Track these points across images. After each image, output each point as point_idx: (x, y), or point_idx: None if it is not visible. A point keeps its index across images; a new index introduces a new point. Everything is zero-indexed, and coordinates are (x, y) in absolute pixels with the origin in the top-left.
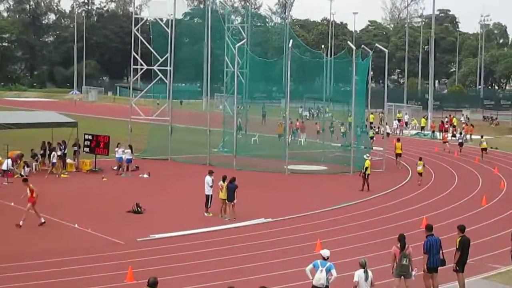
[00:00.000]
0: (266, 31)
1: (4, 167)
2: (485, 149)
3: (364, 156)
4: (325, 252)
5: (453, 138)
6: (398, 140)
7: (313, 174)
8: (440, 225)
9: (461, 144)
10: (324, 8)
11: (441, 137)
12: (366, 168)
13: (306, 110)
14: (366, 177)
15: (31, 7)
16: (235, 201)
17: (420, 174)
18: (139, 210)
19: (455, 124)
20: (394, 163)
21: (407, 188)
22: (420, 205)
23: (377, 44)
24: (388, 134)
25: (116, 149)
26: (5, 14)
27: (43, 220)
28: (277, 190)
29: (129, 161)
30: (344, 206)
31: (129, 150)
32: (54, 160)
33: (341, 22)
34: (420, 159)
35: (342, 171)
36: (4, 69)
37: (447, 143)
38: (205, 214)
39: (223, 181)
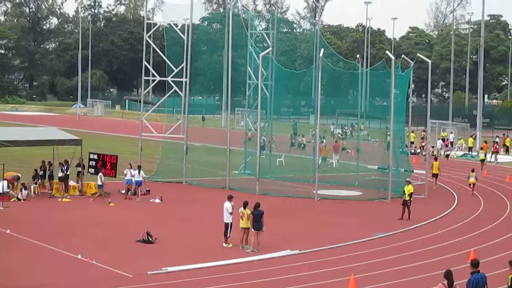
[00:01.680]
0: (293, 38)
1: None
2: None
3: (407, 180)
4: None
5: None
6: (436, 159)
7: (346, 200)
8: (489, 259)
9: None
10: (360, 13)
11: (492, 159)
12: (409, 194)
13: (338, 127)
14: (408, 204)
15: (31, 10)
16: (263, 229)
17: (473, 185)
18: (150, 239)
19: (507, 144)
20: (437, 188)
21: (452, 216)
22: (467, 237)
23: (419, 54)
24: (436, 158)
25: (126, 170)
26: (2, 18)
27: None
28: (305, 218)
29: (139, 183)
30: (381, 237)
31: (138, 171)
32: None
33: (379, 29)
34: (473, 170)
35: (379, 197)
36: (0, 79)
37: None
38: (224, 244)
39: (244, 208)
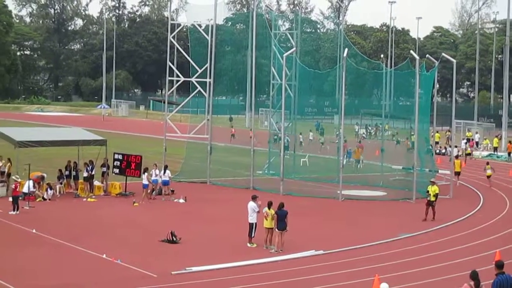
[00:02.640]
0: (317, 38)
1: (25, 189)
2: None
3: (432, 180)
4: (384, 286)
5: None
6: (457, 157)
7: (370, 200)
8: None
9: None
10: (384, 12)
11: None
12: (435, 195)
13: (363, 128)
14: (433, 204)
15: (56, 11)
16: (287, 229)
17: (489, 177)
18: (174, 239)
19: None
20: (462, 188)
21: (477, 217)
22: (492, 238)
23: (443, 53)
24: (457, 156)
25: (151, 170)
26: (27, 20)
27: None
28: (329, 218)
29: (166, 183)
30: (405, 237)
31: (164, 171)
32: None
33: (403, 28)
34: (488, 163)
35: (404, 197)
36: (26, 80)
37: None
38: (248, 244)
39: (269, 208)
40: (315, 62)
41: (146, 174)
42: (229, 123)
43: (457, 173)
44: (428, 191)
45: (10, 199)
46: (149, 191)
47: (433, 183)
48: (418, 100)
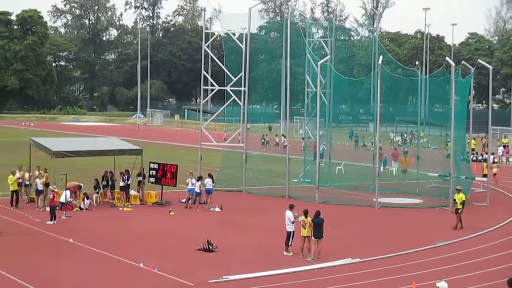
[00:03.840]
0: (351, 46)
1: (62, 199)
2: None
3: (458, 188)
4: (443, 285)
5: None
6: (485, 160)
7: (406, 208)
8: None
9: None
10: (418, 19)
11: None
12: (461, 203)
13: (398, 135)
14: (459, 212)
15: (90, 22)
16: (323, 238)
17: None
18: (211, 248)
19: None
20: (499, 195)
21: None
22: None
23: (479, 60)
24: (494, 162)
25: (187, 179)
26: (62, 31)
27: None
28: (365, 226)
29: (209, 191)
30: (442, 245)
31: (210, 180)
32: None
33: (438, 35)
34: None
35: (440, 205)
36: (62, 90)
37: None
38: (285, 253)
39: (305, 216)
40: (350, 70)
41: (199, 182)
42: (268, 132)
43: (485, 176)
44: (455, 199)
45: (48, 209)
46: (183, 200)
47: (459, 191)
48: (454, 107)
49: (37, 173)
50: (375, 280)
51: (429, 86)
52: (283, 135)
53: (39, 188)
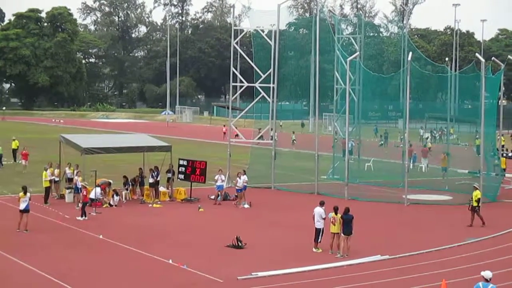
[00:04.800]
0: (380, 42)
1: (92, 195)
2: None
3: (474, 185)
4: (487, 274)
5: None
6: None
7: (436, 205)
8: None
9: None
10: (448, 15)
11: None
12: (477, 200)
13: (427, 132)
14: (477, 210)
15: (120, 19)
16: (352, 234)
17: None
18: (240, 244)
19: None
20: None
21: None
22: None
23: (509, 56)
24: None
25: (216, 176)
26: (92, 28)
27: None
28: (394, 223)
29: (241, 188)
30: (472, 242)
31: (245, 177)
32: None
33: (467, 31)
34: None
35: (470, 202)
36: (91, 87)
37: None
38: (314, 249)
39: (335, 213)
40: (379, 66)
41: (244, 177)
42: (301, 129)
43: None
44: (472, 197)
45: (81, 204)
46: (212, 196)
47: (475, 188)
48: (483, 103)
49: (67, 170)
50: (404, 277)
51: (459, 82)
52: (293, 131)
53: (79, 186)
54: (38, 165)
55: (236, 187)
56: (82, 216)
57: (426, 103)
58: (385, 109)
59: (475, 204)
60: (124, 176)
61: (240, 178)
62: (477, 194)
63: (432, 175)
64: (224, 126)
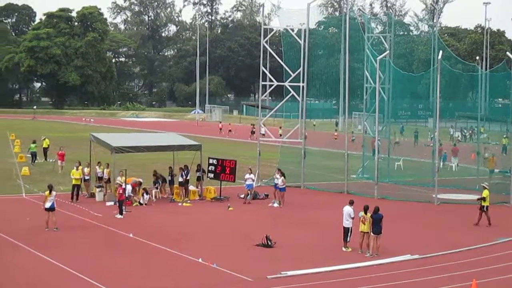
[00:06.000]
0: (410, 41)
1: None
2: None
3: (483, 185)
4: None
5: None
6: None
7: (466, 204)
8: None
9: None
10: (478, 13)
11: None
12: (484, 199)
13: (458, 131)
14: (485, 209)
15: (150, 18)
16: (382, 233)
17: None
18: (269, 243)
19: None
20: None
21: None
22: None
23: None
24: None
25: (246, 175)
26: (122, 27)
27: None
28: (425, 222)
29: (283, 190)
30: (502, 242)
31: (282, 177)
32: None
33: (498, 30)
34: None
35: (501, 201)
36: (121, 86)
37: None
38: (344, 249)
39: (365, 212)
40: (409, 65)
41: (282, 178)
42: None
43: None
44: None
45: (110, 203)
46: (242, 195)
47: (484, 188)
48: None
49: (97, 168)
50: (434, 276)
51: (489, 81)
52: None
53: (122, 185)
54: (69, 163)
55: (278, 186)
56: (121, 214)
57: (456, 102)
58: (415, 108)
59: (483, 203)
60: (154, 172)
61: (279, 177)
62: (486, 193)
63: (462, 174)
64: (220, 123)
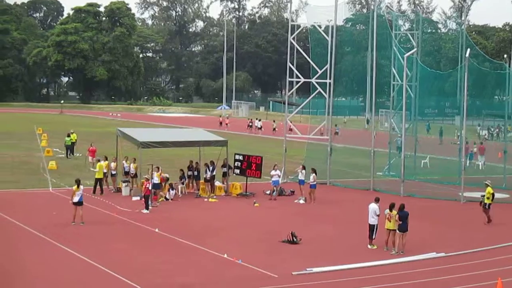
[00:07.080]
0: (438, 39)
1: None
2: None
3: (486, 182)
4: None
5: None
6: None
7: (493, 202)
8: None
9: None
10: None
11: None
12: (488, 197)
13: (484, 129)
14: (487, 207)
15: (177, 14)
16: (407, 231)
17: None
18: (295, 240)
19: None
20: None
21: None
22: None
23: None
24: None
25: (272, 171)
26: (149, 22)
27: None
28: (451, 220)
29: (313, 186)
30: None
31: (314, 174)
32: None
33: None
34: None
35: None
36: (148, 81)
37: None
38: (369, 246)
39: (391, 210)
40: (436, 63)
41: (314, 175)
42: (366, 125)
43: None
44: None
45: (136, 198)
46: (268, 192)
47: (486, 185)
48: None
49: (124, 163)
50: (460, 275)
51: None
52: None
53: (155, 182)
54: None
55: (309, 183)
56: (147, 209)
57: (483, 100)
58: (442, 105)
59: (487, 201)
60: (181, 170)
61: (307, 173)
62: (489, 190)
63: (489, 173)
64: (221, 116)
